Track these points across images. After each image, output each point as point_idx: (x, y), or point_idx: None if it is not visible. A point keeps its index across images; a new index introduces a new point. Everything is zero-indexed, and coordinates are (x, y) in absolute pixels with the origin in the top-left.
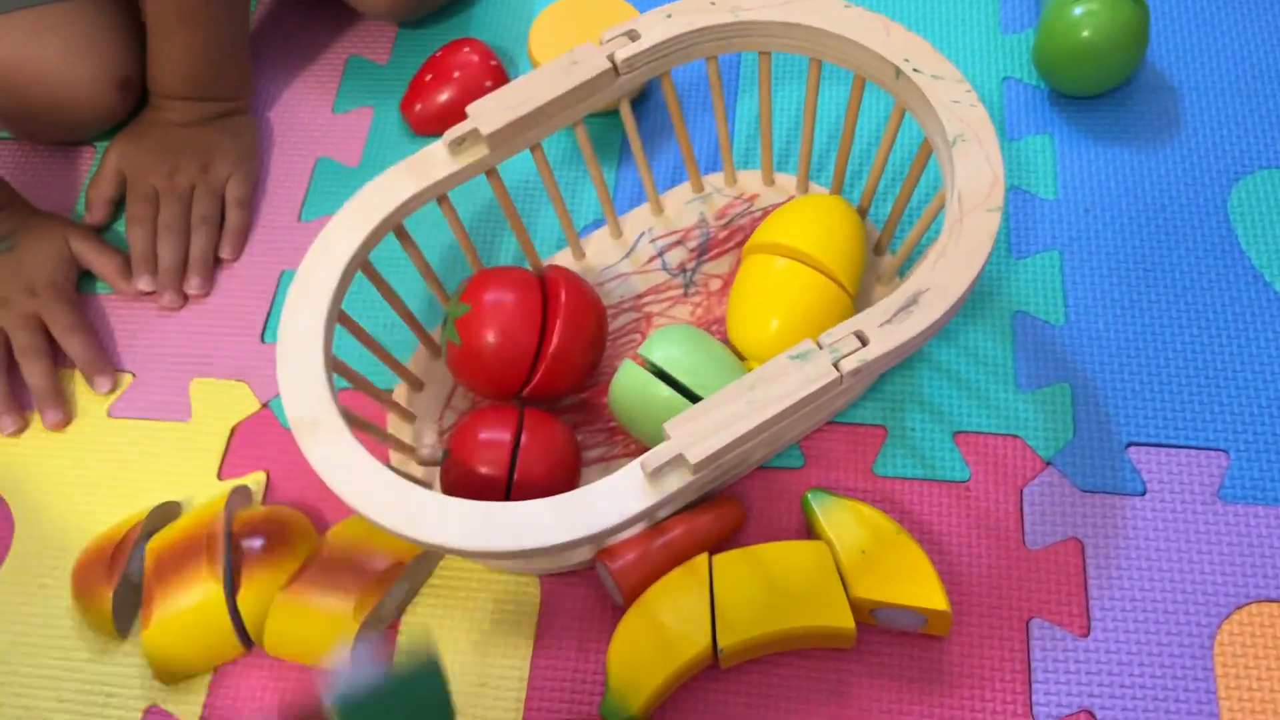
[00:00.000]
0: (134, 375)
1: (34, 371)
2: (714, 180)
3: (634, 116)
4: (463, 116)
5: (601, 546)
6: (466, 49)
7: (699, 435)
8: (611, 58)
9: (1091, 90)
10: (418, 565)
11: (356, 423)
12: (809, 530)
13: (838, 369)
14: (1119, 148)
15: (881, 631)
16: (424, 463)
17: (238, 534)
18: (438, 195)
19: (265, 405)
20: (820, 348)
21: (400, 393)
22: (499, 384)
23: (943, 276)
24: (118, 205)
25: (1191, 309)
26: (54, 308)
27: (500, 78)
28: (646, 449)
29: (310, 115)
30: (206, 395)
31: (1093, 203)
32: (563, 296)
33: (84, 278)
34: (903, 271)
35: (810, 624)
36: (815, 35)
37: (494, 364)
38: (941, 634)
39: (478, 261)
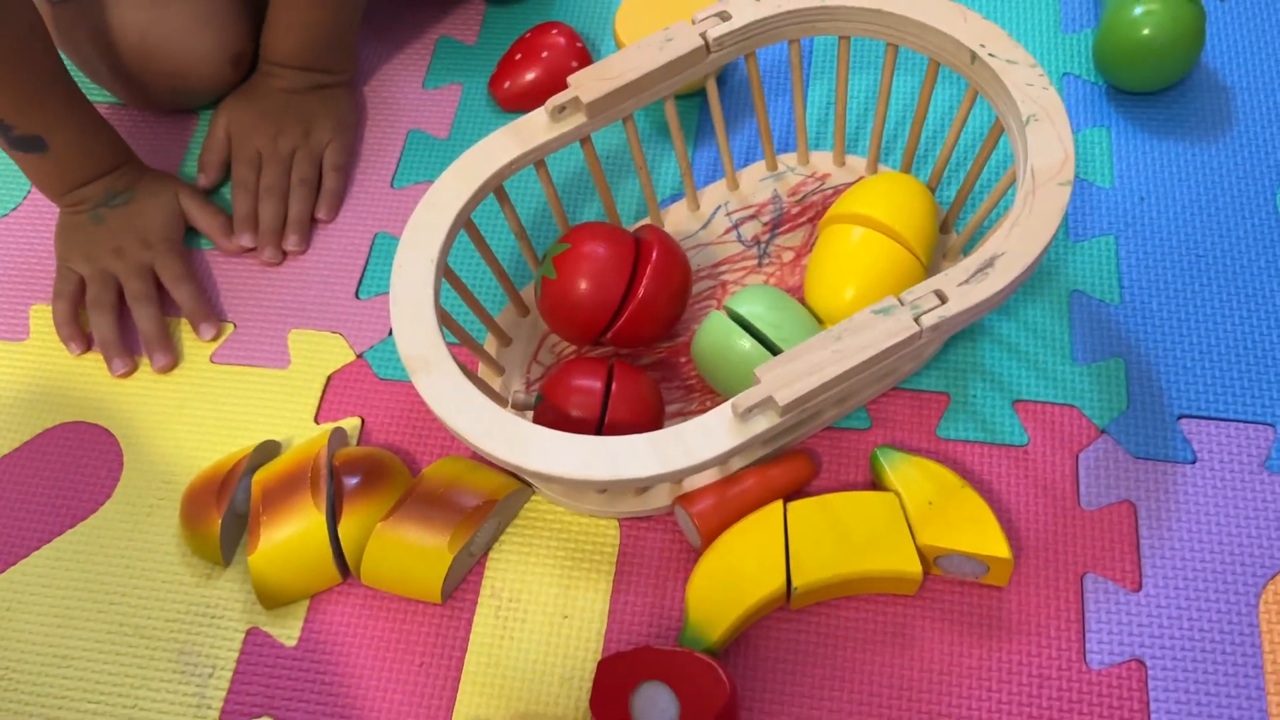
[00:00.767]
0: (235, 325)
1: (144, 317)
2: (787, 159)
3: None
4: (547, 95)
5: (684, 481)
6: (555, 31)
7: (788, 379)
8: (704, 36)
9: (1149, 87)
10: (507, 504)
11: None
12: (876, 486)
13: (918, 324)
14: (1173, 141)
15: (943, 580)
16: (517, 407)
17: (339, 470)
18: (537, 159)
19: (360, 356)
20: (902, 304)
21: (490, 346)
22: (586, 323)
23: (1017, 243)
24: (227, 168)
25: (1241, 293)
26: (165, 258)
27: (585, 59)
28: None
29: (402, 90)
30: (304, 345)
31: (1147, 191)
32: (655, 250)
33: (189, 234)
34: (967, 250)
35: (879, 568)
36: (896, 21)
37: (584, 302)
38: (1001, 584)
39: (565, 224)
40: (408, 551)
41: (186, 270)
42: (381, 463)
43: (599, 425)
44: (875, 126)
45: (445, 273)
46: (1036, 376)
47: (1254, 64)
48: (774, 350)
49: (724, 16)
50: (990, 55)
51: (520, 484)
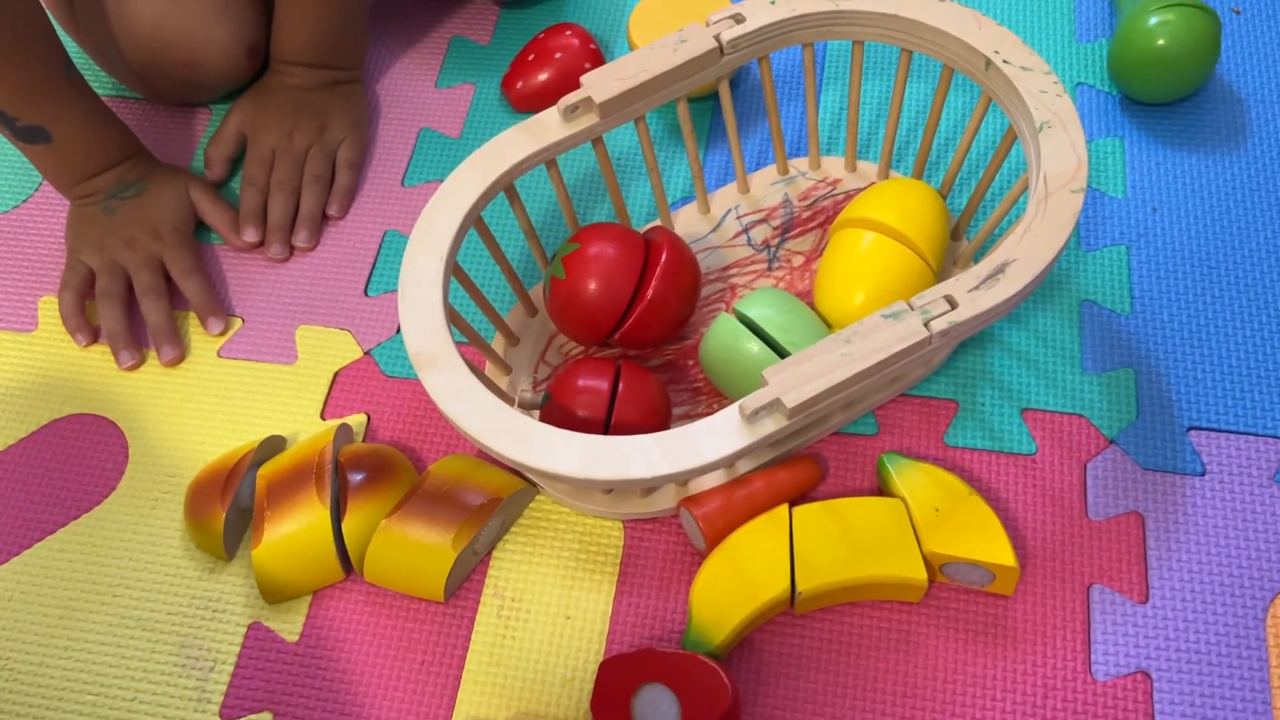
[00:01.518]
0: (243, 320)
1: (153, 310)
2: (798, 164)
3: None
4: (559, 97)
5: (690, 484)
6: (568, 33)
7: (796, 382)
8: (718, 38)
9: (1163, 97)
10: (511, 503)
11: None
12: (882, 491)
13: (928, 329)
14: (1186, 153)
15: (948, 588)
16: (524, 406)
17: (344, 466)
18: (548, 159)
19: (367, 353)
20: (912, 309)
21: (497, 346)
22: (594, 324)
23: (1029, 249)
24: (235, 164)
25: (1253, 305)
26: (176, 251)
27: (599, 61)
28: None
29: (414, 89)
30: (311, 341)
31: (1160, 202)
32: (664, 251)
33: (199, 229)
34: (978, 257)
35: (884, 573)
36: (911, 26)
37: (592, 302)
38: (1006, 593)
39: (575, 225)
40: (411, 549)
41: (196, 263)
42: (387, 459)
43: (605, 426)
44: (888, 132)
45: (454, 271)
46: (1046, 385)
47: (1269, 76)
48: (782, 354)
49: (738, 19)
50: (1005, 62)
51: (525, 483)
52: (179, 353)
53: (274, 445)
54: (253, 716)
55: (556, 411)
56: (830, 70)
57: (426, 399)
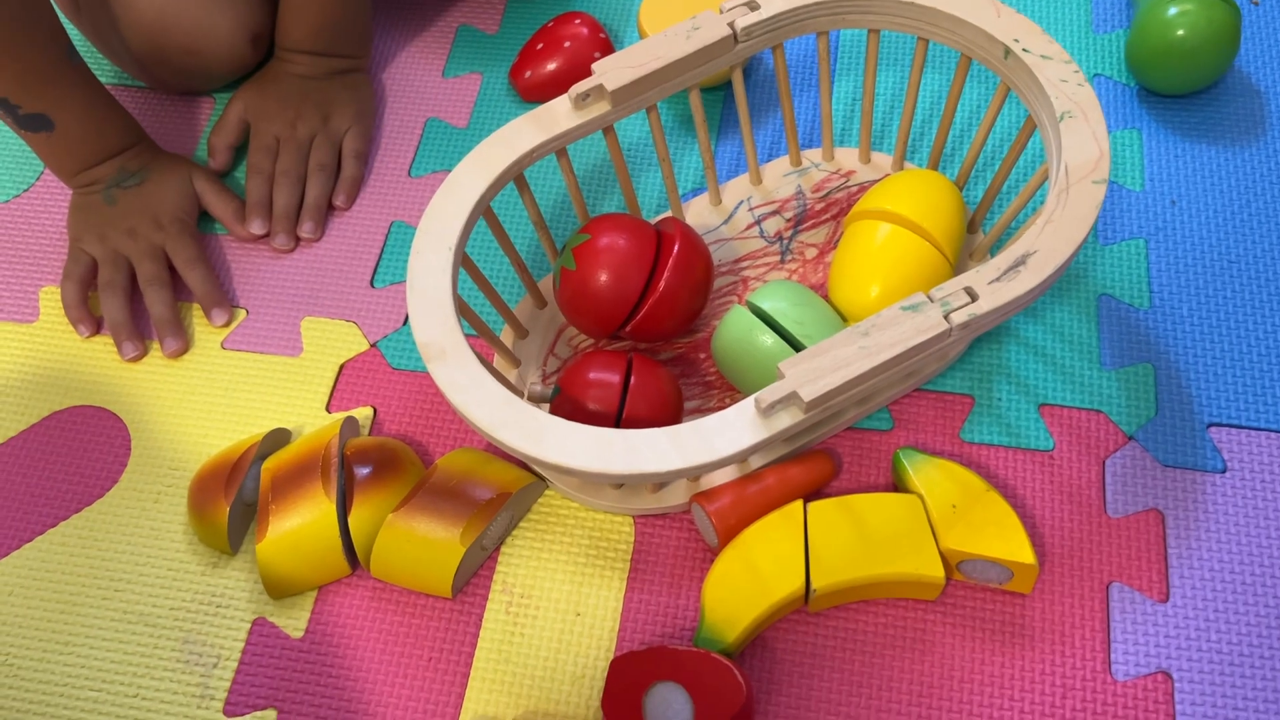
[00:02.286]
0: (248, 311)
1: (156, 300)
2: (811, 155)
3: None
4: (568, 86)
5: (702, 479)
6: (577, 21)
7: (813, 375)
8: (732, 25)
9: (1181, 89)
10: (520, 498)
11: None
12: (897, 487)
13: (948, 321)
14: (1205, 145)
15: (966, 586)
16: (534, 399)
17: (350, 459)
18: (559, 148)
19: (374, 345)
20: (931, 301)
21: (506, 338)
22: (604, 316)
23: (1049, 241)
24: (237, 153)
25: (1274, 299)
26: (178, 241)
27: (608, 50)
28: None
29: (421, 78)
30: (317, 333)
31: (1179, 195)
32: (676, 242)
33: (202, 219)
34: (994, 250)
35: (901, 571)
36: (928, 14)
37: (603, 294)
38: (1024, 591)
39: (586, 215)
40: (419, 544)
41: (199, 253)
42: (394, 453)
43: (617, 420)
44: (903, 123)
45: (463, 262)
46: (1063, 381)
47: None
48: (797, 347)
49: (752, 6)
50: (1024, 50)
51: (534, 478)
52: (182, 344)
53: (279, 438)
54: (257, 714)
55: (567, 405)
56: (845, 59)
57: (434, 392)
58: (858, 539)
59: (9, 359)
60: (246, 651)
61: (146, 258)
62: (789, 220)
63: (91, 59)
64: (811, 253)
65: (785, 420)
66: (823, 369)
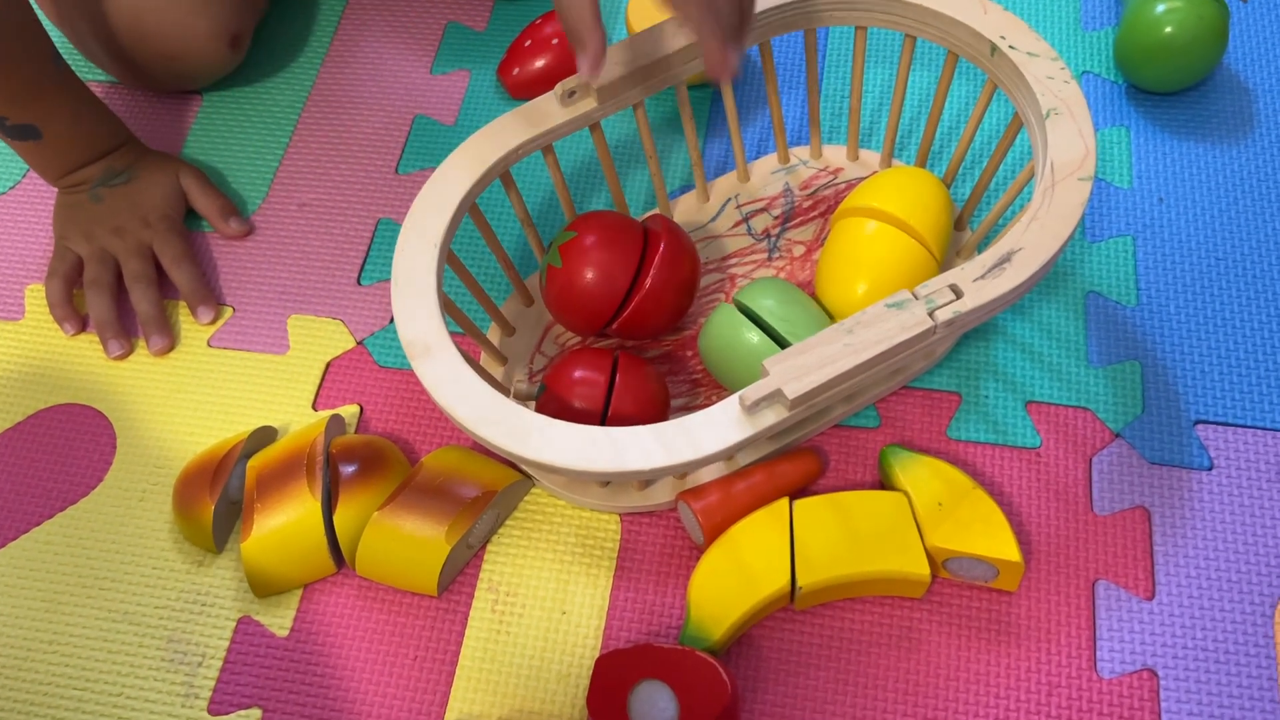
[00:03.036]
0: (234, 309)
1: (142, 298)
2: (799, 153)
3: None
4: (556, 83)
5: (688, 476)
6: None
7: (797, 372)
8: None
9: (1170, 86)
10: (506, 496)
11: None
12: (884, 485)
13: (932, 319)
14: (1193, 143)
15: (952, 584)
16: (519, 397)
17: (335, 457)
18: (545, 144)
19: (360, 343)
20: (916, 298)
21: (493, 336)
22: (591, 313)
23: (1035, 238)
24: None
25: (1261, 297)
26: (165, 239)
27: None
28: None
29: (409, 76)
30: (303, 331)
31: (1166, 193)
32: (663, 240)
33: (190, 216)
34: (982, 247)
35: (886, 569)
36: (915, 11)
37: (589, 291)
38: (1010, 589)
39: (573, 213)
40: (404, 542)
41: (186, 251)
42: (379, 451)
43: (602, 417)
44: (890, 120)
45: (449, 259)
46: (1050, 378)
47: (1278, 65)
48: (783, 345)
49: None
50: (1011, 48)
51: (520, 476)
52: (168, 342)
53: (265, 436)
54: (242, 712)
55: (552, 403)
56: (833, 56)
57: (420, 390)
58: (844, 536)
59: None
60: (231, 650)
61: (133, 255)
62: (776, 218)
63: (74, 60)
64: (799, 250)
65: (770, 418)
66: (807, 366)
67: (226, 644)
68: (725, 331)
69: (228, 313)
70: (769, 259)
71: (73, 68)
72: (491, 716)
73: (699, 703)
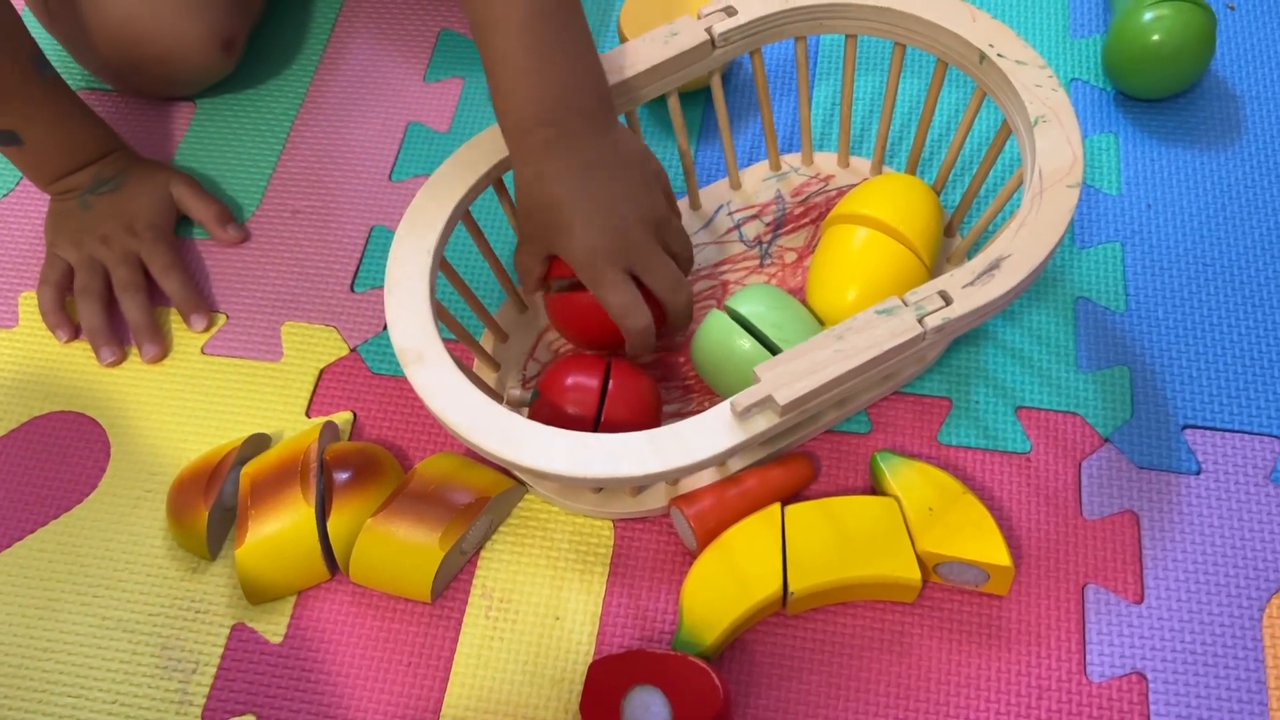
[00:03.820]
0: (227, 316)
1: (132, 306)
2: (790, 160)
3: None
4: None
5: (681, 482)
6: None
7: (788, 378)
8: (709, 30)
9: (1158, 93)
10: (499, 502)
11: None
12: (875, 490)
13: (922, 325)
14: (1182, 149)
15: (943, 588)
16: (513, 403)
17: (329, 464)
18: None
19: (354, 350)
20: (906, 305)
21: (486, 342)
22: (599, 334)
23: (1024, 245)
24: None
25: (1248, 303)
26: (154, 247)
27: None
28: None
29: (402, 83)
30: (297, 338)
31: (1155, 199)
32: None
33: (183, 223)
34: (971, 254)
35: (878, 573)
36: (904, 19)
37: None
38: (1001, 593)
39: None
40: (398, 548)
41: (175, 259)
42: (373, 458)
43: (595, 424)
44: (881, 127)
45: (442, 266)
46: (1040, 383)
47: (1265, 72)
48: (774, 351)
49: (730, 11)
50: (999, 56)
51: (514, 482)
52: (160, 349)
53: (258, 443)
54: (236, 719)
55: (545, 409)
56: (824, 64)
57: (413, 396)
58: (835, 541)
59: None
60: (225, 657)
61: (121, 264)
62: (768, 224)
63: (66, 66)
64: (791, 257)
65: (761, 424)
66: (798, 372)
67: (220, 651)
68: (717, 338)
69: (221, 320)
70: (761, 266)
71: (63, 74)
72: None
73: (692, 708)
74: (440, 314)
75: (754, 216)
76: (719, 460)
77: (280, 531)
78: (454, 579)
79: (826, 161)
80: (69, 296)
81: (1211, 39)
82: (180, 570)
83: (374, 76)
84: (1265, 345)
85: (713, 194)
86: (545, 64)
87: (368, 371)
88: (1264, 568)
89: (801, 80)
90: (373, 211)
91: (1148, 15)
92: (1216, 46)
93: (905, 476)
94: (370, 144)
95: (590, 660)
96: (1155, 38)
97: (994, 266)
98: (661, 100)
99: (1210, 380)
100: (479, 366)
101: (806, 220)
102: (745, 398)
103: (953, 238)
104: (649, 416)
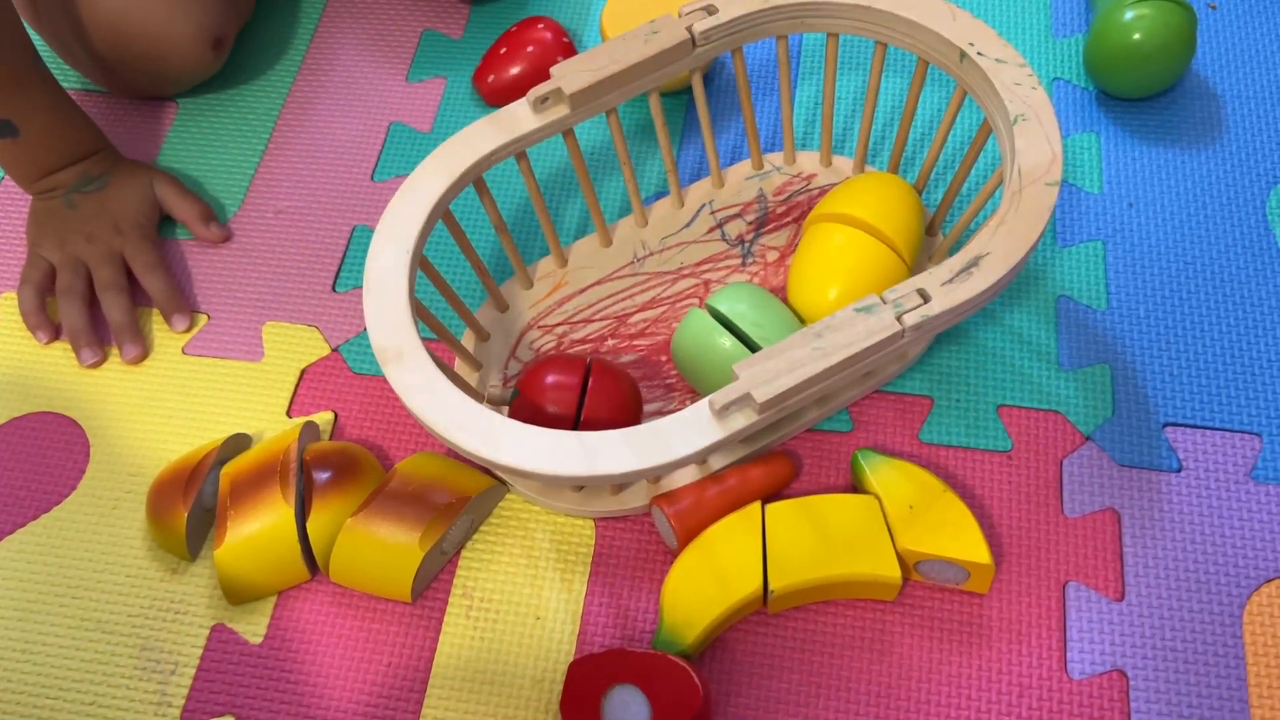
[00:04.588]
0: (209, 316)
1: (113, 306)
2: (773, 159)
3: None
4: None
5: (662, 481)
6: (540, 25)
7: (766, 376)
8: (690, 29)
9: (1139, 92)
10: (480, 502)
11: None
12: (856, 489)
13: (900, 323)
14: (1163, 148)
15: (923, 586)
16: (493, 402)
17: (309, 464)
18: (518, 151)
19: (335, 350)
20: (884, 302)
21: (467, 341)
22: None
23: (1002, 242)
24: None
25: (1229, 300)
26: (137, 246)
27: (571, 54)
28: None
29: (385, 83)
30: (278, 338)
31: (1136, 198)
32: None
33: (164, 223)
34: (953, 253)
35: (858, 572)
36: (885, 18)
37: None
38: (981, 591)
39: (548, 220)
40: (378, 548)
41: (158, 259)
42: (353, 458)
43: (575, 422)
44: (863, 127)
45: (423, 265)
46: (1021, 382)
47: (1245, 71)
48: (755, 349)
49: (711, 10)
50: (979, 54)
51: (494, 481)
52: (141, 350)
53: (238, 443)
54: None
55: (525, 408)
56: (806, 63)
57: (394, 396)
58: (816, 540)
59: None
60: (205, 658)
61: (104, 263)
62: (751, 223)
63: (52, 65)
64: (773, 255)
65: (740, 421)
66: (776, 370)
67: (200, 652)
68: (698, 336)
69: (202, 320)
70: (743, 264)
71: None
72: None
73: (671, 707)
74: (420, 313)
75: (736, 215)
76: (698, 458)
77: (260, 532)
78: (434, 579)
79: (809, 161)
80: (49, 297)
81: (1192, 38)
82: (160, 571)
83: (357, 76)
84: (1246, 343)
85: (695, 193)
86: None
87: (349, 371)
88: (1245, 565)
89: (783, 79)
90: (355, 211)
91: (1129, 14)
92: (1197, 46)
93: (886, 475)
94: (352, 144)
95: (571, 659)
96: (1136, 37)
97: (973, 264)
98: (644, 99)
99: (1191, 378)
100: (460, 366)
101: (789, 219)
102: (723, 395)
103: (935, 237)
104: (629, 415)
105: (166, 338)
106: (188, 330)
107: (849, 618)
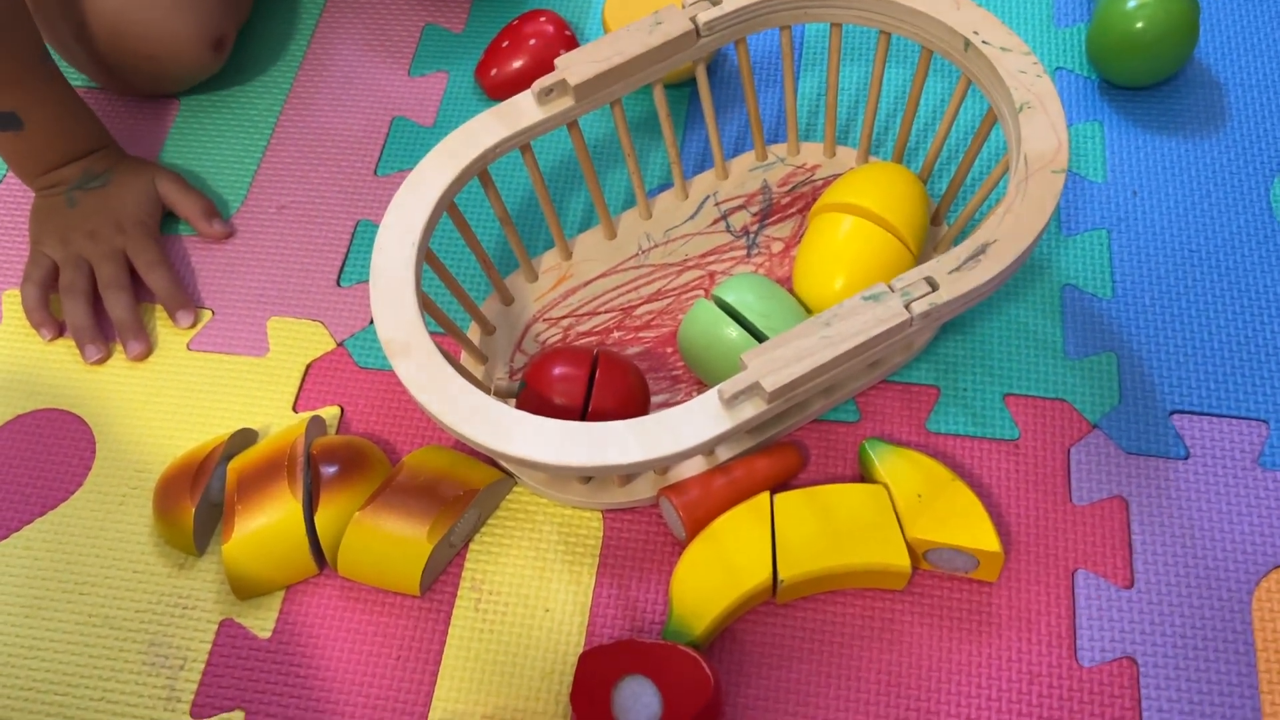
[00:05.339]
0: (213, 312)
1: (116, 304)
2: (776, 150)
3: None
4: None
5: (669, 472)
6: (542, 19)
7: (775, 365)
8: (694, 20)
9: (1142, 81)
10: (488, 494)
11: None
12: (864, 479)
13: (909, 311)
14: (1166, 136)
15: (932, 575)
16: (500, 393)
17: (316, 458)
18: (523, 143)
19: (340, 345)
20: (892, 291)
21: (473, 334)
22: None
23: (1009, 230)
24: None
25: (1234, 288)
26: (139, 244)
27: (573, 48)
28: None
29: (387, 78)
30: (283, 333)
31: (1140, 186)
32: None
33: (168, 220)
34: (958, 241)
35: (867, 561)
36: (889, 7)
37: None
38: (990, 579)
39: (552, 212)
40: (386, 541)
41: (160, 256)
42: (360, 451)
43: (583, 414)
44: (866, 117)
45: (428, 258)
46: (1028, 370)
47: (1248, 59)
48: (761, 339)
49: (714, 1)
50: (984, 43)
51: (502, 474)
52: (144, 347)
53: (245, 438)
54: (224, 715)
55: (533, 399)
56: (809, 54)
57: (400, 390)
58: (824, 530)
59: None
60: (213, 653)
61: (106, 260)
62: (755, 214)
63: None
64: (778, 246)
65: (748, 411)
66: (785, 359)
67: (208, 647)
68: (705, 327)
69: (207, 316)
70: (748, 255)
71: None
72: (475, 715)
73: (682, 697)
74: (426, 306)
75: (741, 206)
76: (706, 448)
77: (267, 526)
78: (443, 572)
79: (813, 151)
80: (53, 294)
81: (1195, 26)
82: (167, 566)
83: (358, 71)
84: (1252, 330)
85: (700, 184)
86: None
87: (354, 366)
88: (1253, 551)
89: (787, 70)
90: (358, 206)
91: (1131, 3)
92: (1200, 34)
93: (894, 464)
94: (355, 139)
95: (580, 651)
96: (1139, 25)
97: (980, 252)
98: (648, 91)
99: (1197, 365)
100: (466, 359)
101: (793, 210)
102: (732, 385)
103: (940, 226)
104: (636, 406)
105: (171, 334)
106: (193, 326)
107: (858, 607)
